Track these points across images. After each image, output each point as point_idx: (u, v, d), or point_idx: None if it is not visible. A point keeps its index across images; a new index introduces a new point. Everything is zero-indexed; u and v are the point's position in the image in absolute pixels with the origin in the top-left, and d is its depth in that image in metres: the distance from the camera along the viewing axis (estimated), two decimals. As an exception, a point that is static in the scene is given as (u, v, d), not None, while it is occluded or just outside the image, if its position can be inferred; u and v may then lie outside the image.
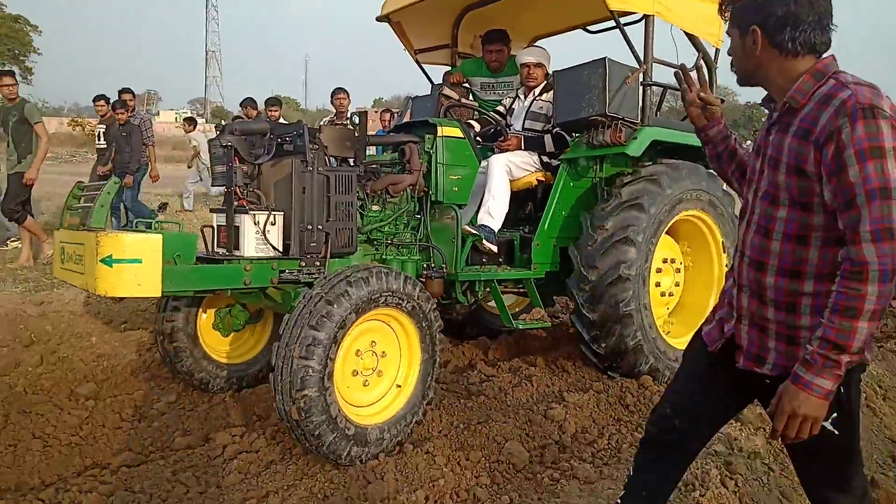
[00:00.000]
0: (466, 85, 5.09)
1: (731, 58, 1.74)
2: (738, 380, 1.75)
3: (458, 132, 3.92)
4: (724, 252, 4.30)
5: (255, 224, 3.16)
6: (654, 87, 4.03)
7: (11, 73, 6.51)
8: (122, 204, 8.18)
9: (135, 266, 2.59)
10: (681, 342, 4.16)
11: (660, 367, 3.92)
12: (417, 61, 5.26)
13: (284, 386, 2.69)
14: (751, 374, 1.71)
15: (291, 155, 3.34)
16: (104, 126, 8.39)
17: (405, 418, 3.04)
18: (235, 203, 3.21)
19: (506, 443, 3.00)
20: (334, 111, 7.71)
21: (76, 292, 5.03)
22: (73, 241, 2.89)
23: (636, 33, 4.04)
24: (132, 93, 8.91)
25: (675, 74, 1.93)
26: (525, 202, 4.52)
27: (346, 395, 2.91)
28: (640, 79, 3.90)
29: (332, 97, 7.71)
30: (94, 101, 8.77)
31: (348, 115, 7.41)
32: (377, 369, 3.04)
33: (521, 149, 4.27)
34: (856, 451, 1.70)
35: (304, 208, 3.24)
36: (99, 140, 8.46)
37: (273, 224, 3.21)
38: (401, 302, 3.00)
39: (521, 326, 4.01)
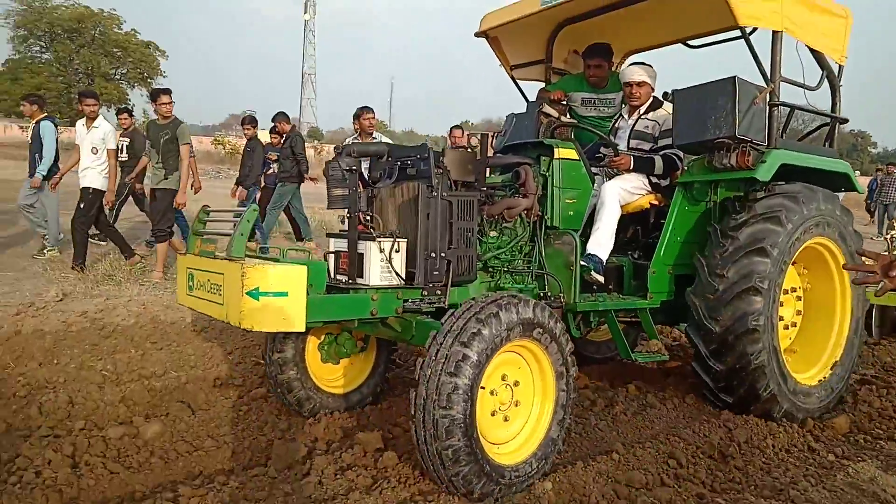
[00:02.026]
0: (565, 102, 4.94)
1: None
2: None
3: (574, 154, 3.77)
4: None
5: (380, 251, 3.05)
6: (782, 108, 3.81)
7: (169, 92, 6.64)
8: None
9: (281, 300, 2.48)
10: (808, 375, 3.94)
11: (780, 401, 3.69)
12: (513, 77, 5.13)
13: (428, 403, 2.54)
14: None
15: (412, 178, 3.24)
16: (127, 139, 8.42)
17: (542, 455, 2.87)
18: (359, 229, 3.12)
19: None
20: (357, 131, 7.08)
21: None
22: (206, 269, 2.81)
23: (731, 51, 3.85)
24: (287, 116, 9.23)
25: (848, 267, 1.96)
26: (633, 225, 4.33)
27: (488, 434, 2.76)
28: (768, 99, 3.70)
29: (356, 118, 7.03)
30: (116, 114, 8.96)
31: (374, 136, 7.07)
32: (514, 401, 2.88)
33: (630, 169, 4.10)
34: None
35: (429, 234, 3.13)
36: (121, 153, 8.31)
37: (397, 251, 3.10)
38: (530, 331, 2.84)
39: (640, 360, 3.81)
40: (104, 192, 6.90)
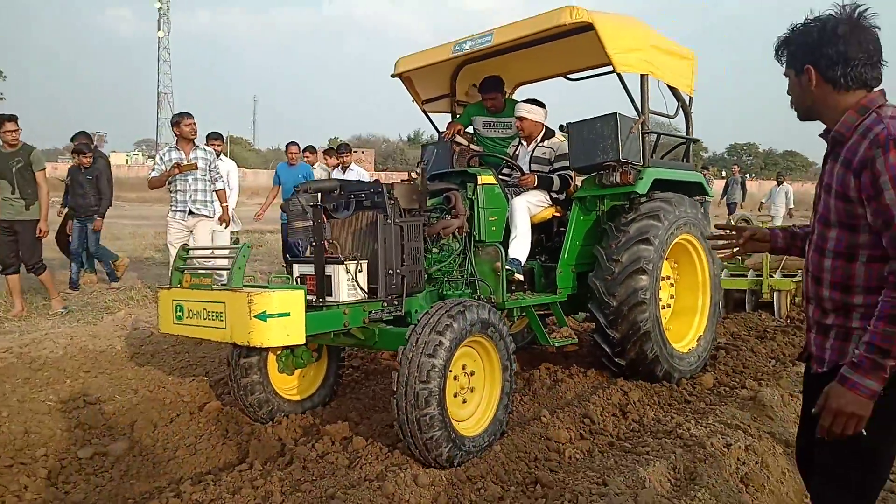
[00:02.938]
0: (470, 131, 5.70)
1: (790, 97, 1.92)
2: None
3: (492, 179, 4.52)
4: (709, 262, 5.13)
5: (347, 272, 3.62)
6: (651, 135, 4.79)
7: (14, 119, 6.39)
8: (85, 248, 8.23)
9: (285, 319, 3.01)
10: (681, 345, 4.94)
11: (661, 362, 4.63)
12: (424, 111, 5.83)
13: (410, 378, 3.14)
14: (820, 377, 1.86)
15: (368, 209, 3.84)
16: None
17: (492, 431, 3.56)
18: (327, 254, 3.66)
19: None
20: (177, 137, 6.80)
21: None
22: (201, 300, 3.25)
23: (599, 85, 4.78)
24: (89, 135, 8.91)
25: (713, 237, 2.33)
26: (539, 234, 5.16)
27: (451, 412, 3.41)
28: (640, 128, 4.65)
29: (175, 125, 6.80)
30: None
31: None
32: (470, 386, 3.56)
33: (534, 186, 4.92)
34: (879, 455, 1.80)
35: (387, 255, 3.74)
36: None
37: (360, 271, 3.68)
38: (485, 329, 3.54)
39: (556, 344, 4.64)
40: None
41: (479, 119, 5.68)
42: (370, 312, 3.71)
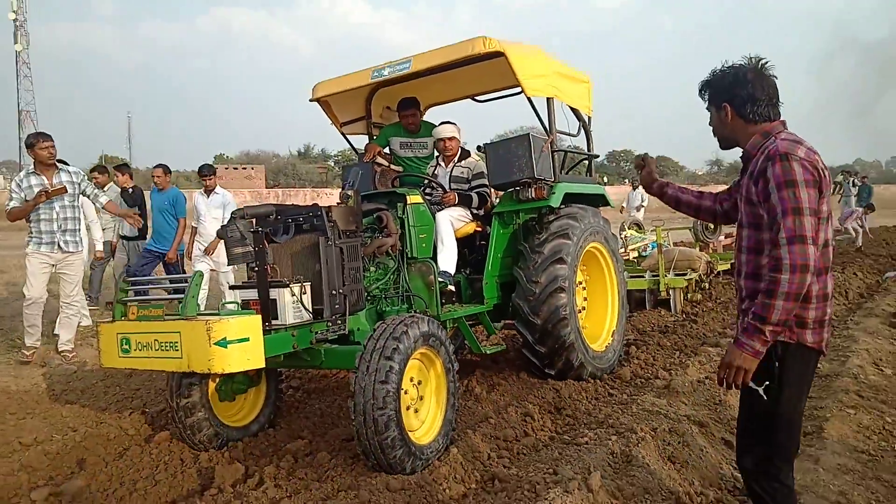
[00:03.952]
0: (387, 151, 5.90)
1: (711, 128, 2.36)
2: None
3: (419, 199, 4.75)
4: (616, 272, 5.62)
5: (292, 295, 3.70)
6: (559, 153, 5.21)
7: None
8: None
9: (244, 344, 3.06)
10: (598, 343, 5.38)
11: (586, 365, 5.05)
12: (343, 133, 5.96)
13: (367, 406, 3.26)
14: None
15: (307, 232, 3.94)
16: None
17: (444, 432, 3.76)
18: (269, 279, 3.72)
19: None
20: (34, 161, 6.02)
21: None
22: (151, 331, 3.23)
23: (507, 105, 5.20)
24: None
25: (641, 158, 2.74)
26: (462, 248, 5.43)
27: (406, 425, 3.57)
28: (550, 147, 5.06)
29: (30, 147, 5.88)
30: None
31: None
32: (419, 396, 3.74)
33: (455, 203, 5.20)
34: (782, 419, 2.18)
35: (330, 276, 3.85)
36: None
37: (305, 293, 3.78)
38: (428, 340, 3.73)
39: (488, 351, 4.92)
40: None
41: (397, 140, 5.89)
42: (316, 333, 3.81)
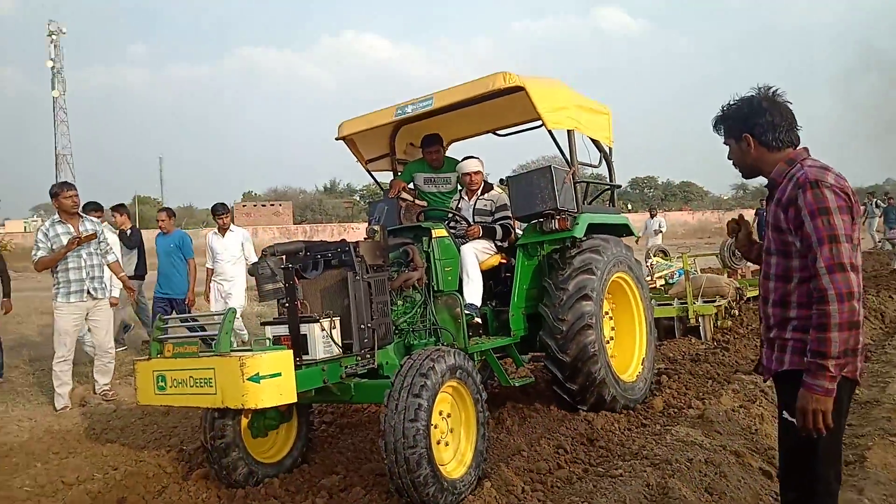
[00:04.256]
0: (412, 187, 6.00)
1: (731, 160, 2.36)
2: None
3: (444, 233, 4.80)
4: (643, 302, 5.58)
5: (322, 330, 3.75)
6: (581, 184, 5.25)
7: None
8: None
9: (277, 379, 3.11)
10: (627, 374, 5.32)
11: (618, 398, 4.99)
12: (369, 171, 6.08)
13: (398, 445, 3.26)
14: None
15: (336, 267, 4.00)
16: None
17: (476, 464, 3.73)
18: (300, 314, 3.78)
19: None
20: (57, 210, 6.25)
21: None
22: (186, 368, 3.29)
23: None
24: None
25: (735, 221, 2.58)
26: (488, 281, 5.46)
27: (438, 459, 3.55)
28: (572, 178, 5.10)
29: (54, 196, 6.12)
30: None
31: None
32: (449, 428, 3.72)
33: (480, 236, 5.24)
34: (820, 450, 2.12)
35: (359, 310, 3.90)
36: None
37: (335, 328, 3.82)
38: (455, 373, 3.73)
39: (517, 384, 4.90)
40: None
41: (421, 175, 5.98)
42: (346, 367, 3.84)
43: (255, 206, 59.76)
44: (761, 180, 2.38)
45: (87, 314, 5.92)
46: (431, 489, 3.35)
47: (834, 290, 1.98)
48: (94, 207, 7.26)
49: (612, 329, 5.58)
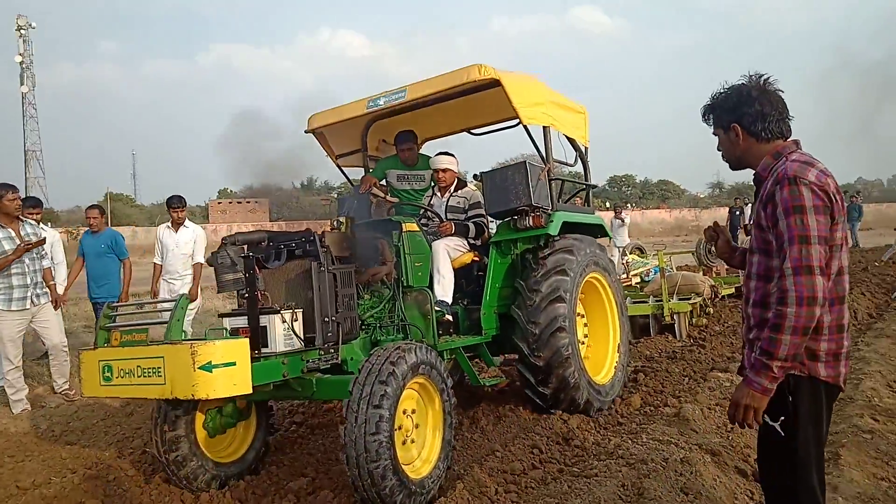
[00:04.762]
0: (383, 183, 5.84)
1: (721, 151, 2.24)
2: None
3: (415, 227, 4.65)
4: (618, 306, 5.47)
5: (283, 322, 3.55)
6: (556, 181, 5.15)
7: None
8: None
9: (231, 368, 2.91)
10: (601, 376, 5.19)
11: (592, 401, 4.85)
12: (338, 165, 5.91)
13: (360, 460, 3.07)
14: None
15: (300, 258, 3.82)
16: None
17: (444, 455, 3.57)
18: (261, 305, 3.58)
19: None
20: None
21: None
22: (134, 357, 3.07)
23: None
24: None
25: (712, 229, 2.51)
26: (459, 279, 5.31)
27: (403, 459, 3.36)
28: (547, 175, 4.99)
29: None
30: None
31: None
32: (414, 425, 3.54)
33: (452, 233, 5.10)
34: (800, 456, 2.02)
35: (322, 302, 3.71)
36: None
37: (296, 320, 3.63)
38: (423, 369, 3.56)
39: (487, 384, 4.74)
40: None
41: (393, 172, 5.83)
42: (308, 361, 3.65)
43: (230, 202, 58.88)
44: (738, 177, 2.28)
45: (33, 318, 5.67)
46: (398, 497, 3.19)
47: (795, 293, 1.87)
48: (33, 204, 6.66)
49: (586, 325, 5.45)
